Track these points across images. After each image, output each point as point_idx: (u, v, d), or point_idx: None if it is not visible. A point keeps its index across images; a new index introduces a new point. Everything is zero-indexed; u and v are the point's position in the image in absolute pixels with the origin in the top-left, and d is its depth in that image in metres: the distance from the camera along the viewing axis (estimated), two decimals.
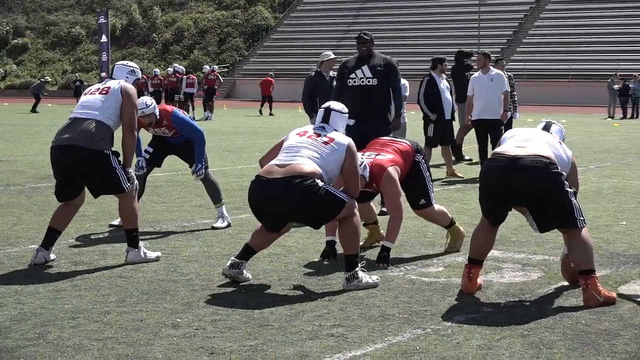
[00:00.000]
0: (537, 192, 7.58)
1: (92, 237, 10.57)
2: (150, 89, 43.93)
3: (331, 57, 15.19)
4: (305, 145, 8.24)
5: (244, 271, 8.23)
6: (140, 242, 9.15)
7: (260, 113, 46.81)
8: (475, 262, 7.94)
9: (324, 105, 8.79)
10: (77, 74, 65.59)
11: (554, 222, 7.73)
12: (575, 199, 7.63)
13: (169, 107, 11.41)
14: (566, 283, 8.08)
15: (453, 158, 18.27)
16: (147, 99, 11.08)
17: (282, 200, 7.89)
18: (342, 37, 69.38)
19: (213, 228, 11.05)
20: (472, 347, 6.27)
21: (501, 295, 7.82)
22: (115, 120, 9.05)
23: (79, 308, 7.31)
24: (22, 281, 8.28)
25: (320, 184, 7.91)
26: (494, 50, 55.87)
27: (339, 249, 8.59)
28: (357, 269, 8.08)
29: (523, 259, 9.12)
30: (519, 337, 6.53)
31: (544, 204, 7.64)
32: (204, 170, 11.28)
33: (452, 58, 21.07)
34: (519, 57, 66.54)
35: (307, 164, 8.01)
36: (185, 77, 43.60)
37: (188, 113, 29.71)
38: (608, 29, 66.15)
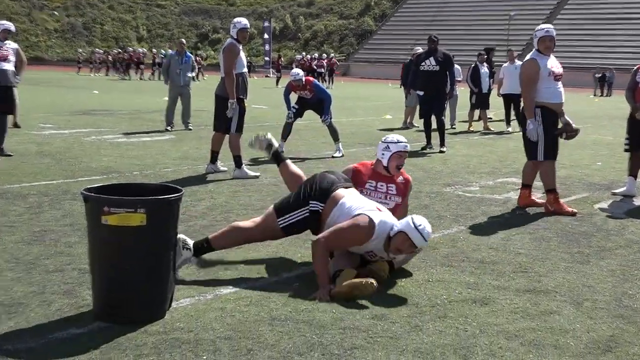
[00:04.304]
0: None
1: (258, 159, 10.60)
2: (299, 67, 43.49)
3: (420, 51, 14.85)
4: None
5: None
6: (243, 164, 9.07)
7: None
8: (525, 186, 7.62)
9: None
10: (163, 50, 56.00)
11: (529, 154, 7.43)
12: (545, 141, 7.27)
13: (311, 78, 11.56)
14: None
15: (490, 116, 17.85)
16: (300, 71, 11.40)
17: None
18: (419, 38, 68.06)
19: (333, 157, 11.02)
20: (497, 239, 6.15)
21: (517, 206, 7.62)
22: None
23: (249, 203, 7.32)
24: (214, 185, 8.34)
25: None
26: (520, 45, 54.31)
27: None
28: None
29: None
30: (528, 234, 6.38)
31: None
32: (329, 120, 11.33)
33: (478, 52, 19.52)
34: None
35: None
36: (316, 61, 43.38)
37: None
38: (600, 29, 63.31)
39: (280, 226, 4.93)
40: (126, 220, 3.78)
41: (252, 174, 8.97)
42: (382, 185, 5.46)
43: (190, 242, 4.82)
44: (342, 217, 4.76)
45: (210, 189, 8.08)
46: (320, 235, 4.66)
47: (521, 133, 7.58)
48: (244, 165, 9.06)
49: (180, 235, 4.78)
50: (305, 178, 5.38)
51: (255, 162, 10.30)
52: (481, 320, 4.11)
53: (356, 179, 5.37)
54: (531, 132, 7.27)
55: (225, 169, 9.28)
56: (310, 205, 4.90)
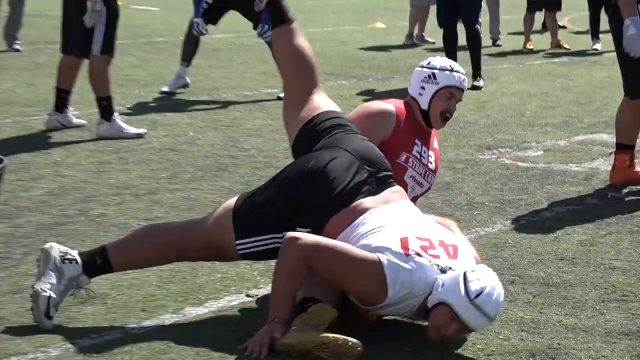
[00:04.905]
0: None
1: (143, 102, 10.63)
2: None
3: None
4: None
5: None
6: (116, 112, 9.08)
7: None
8: (623, 147, 7.73)
9: None
10: None
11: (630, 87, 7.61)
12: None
13: None
14: None
15: (563, 24, 17.97)
16: None
17: None
18: None
19: (279, 98, 10.89)
20: (572, 243, 6.20)
21: (608, 184, 7.68)
22: None
23: (125, 183, 7.33)
24: (62, 152, 8.33)
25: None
26: None
27: None
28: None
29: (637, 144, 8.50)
30: (627, 234, 6.42)
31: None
32: (270, 31, 11.23)
33: None
34: None
35: None
36: None
37: None
38: None
39: (240, 252, 4.84)
40: None
41: (132, 130, 9.00)
42: (425, 152, 5.43)
43: (74, 253, 4.79)
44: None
45: (56, 158, 8.09)
46: (299, 235, 4.51)
47: (616, 52, 7.68)
48: (116, 115, 9.07)
49: (52, 244, 4.76)
50: (316, 75, 5.62)
51: (137, 108, 10.32)
52: None
53: (394, 137, 5.32)
54: (631, 40, 7.26)
55: (84, 122, 9.30)
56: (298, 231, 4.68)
